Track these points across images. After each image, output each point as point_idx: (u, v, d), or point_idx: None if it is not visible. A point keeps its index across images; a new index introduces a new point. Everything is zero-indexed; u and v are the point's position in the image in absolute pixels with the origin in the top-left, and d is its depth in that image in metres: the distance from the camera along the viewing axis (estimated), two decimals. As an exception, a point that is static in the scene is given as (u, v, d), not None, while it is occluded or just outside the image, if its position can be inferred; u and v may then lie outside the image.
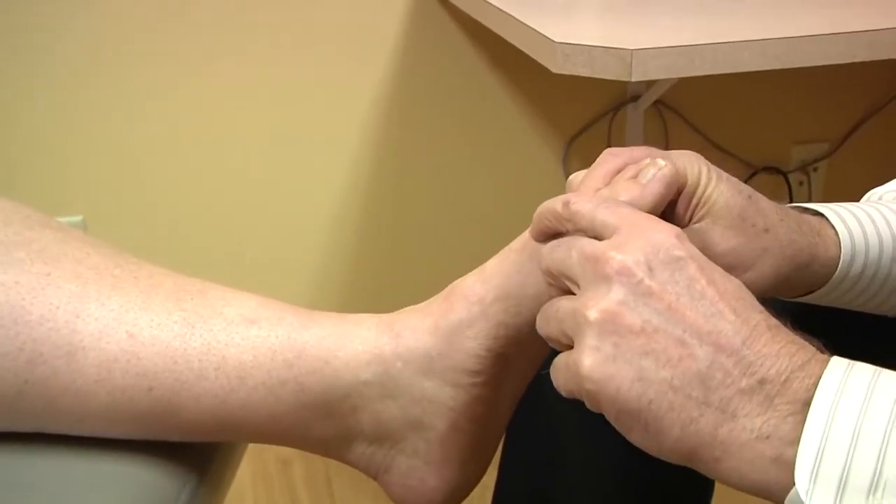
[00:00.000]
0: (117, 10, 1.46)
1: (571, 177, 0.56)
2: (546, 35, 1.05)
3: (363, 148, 1.65)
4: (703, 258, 0.44)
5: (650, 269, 0.43)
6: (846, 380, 0.40)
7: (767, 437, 0.40)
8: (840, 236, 0.57)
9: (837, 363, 0.41)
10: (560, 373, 0.45)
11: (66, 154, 1.53)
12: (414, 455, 0.57)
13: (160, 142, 1.56)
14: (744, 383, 0.41)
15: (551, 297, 0.49)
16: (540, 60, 1.08)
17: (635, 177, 0.52)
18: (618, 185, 0.51)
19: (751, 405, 0.40)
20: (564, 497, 0.72)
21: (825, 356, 0.42)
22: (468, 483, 0.59)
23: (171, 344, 0.53)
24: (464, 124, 1.68)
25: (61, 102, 1.50)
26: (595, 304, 0.43)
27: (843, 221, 0.58)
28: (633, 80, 0.99)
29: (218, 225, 1.64)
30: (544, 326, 0.47)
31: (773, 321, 0.43)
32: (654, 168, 0.51)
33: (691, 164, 0.55)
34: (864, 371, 0.41)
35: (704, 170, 0.55)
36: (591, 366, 0.42)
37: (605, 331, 0.42)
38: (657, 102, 1.66)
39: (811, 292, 0.59)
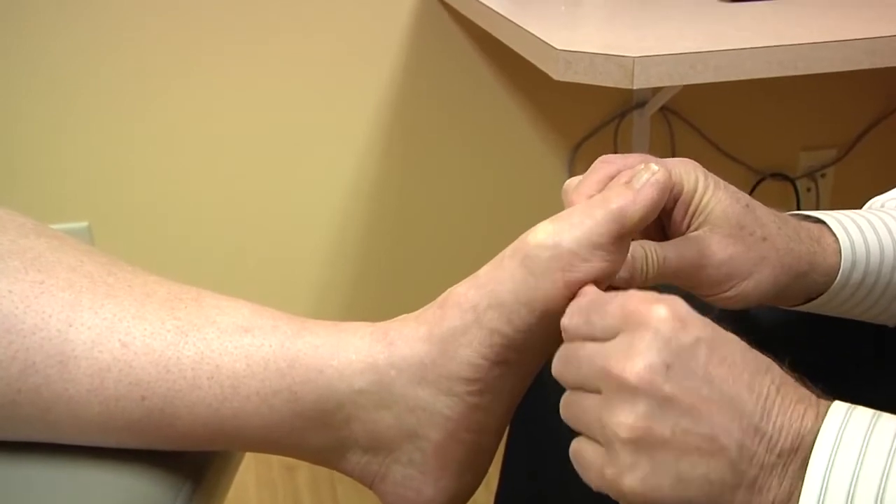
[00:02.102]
0: (120, 10, 1.46)
1: (566, 183, 0.56)
2: (548, 42, 1.05)
3: (367, 154, 1.65)
4: (708, 330, 0.44)
5: (667, 368, 0.42)
6: (842, 433, 0.41)
7: (784, 502, 0.42)
8: (840, 244, 0.57)
9: (834, 416, 0.42)
10: (592, 475, 0.45)
11: (70, 160, 1.53)
12: (409, 464, 0.56)
13: (163, 146, 1.56)
14: (766, 460, 0.42)
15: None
16: (542, 67, 1.08)
17: (629, 182, 0.51)
18: (610, 191, 0.51)
19: (772, 477, 0.42)
20: (565, 499, 0.72)
21: (826, 404, 0.43)
22: (465, 492, 0.59)
23: (165, 353, 0.53)
24: (468, 130, 1.67)
25: (63, 107, 1.50)
26: (623, 421, 0.43)
27: (844, 229, 0.57)
28: (634, 87, 0.98)
29: (222, 229, 1.64)
30: (570, 420, 0.47)
31: (777, 377, 0.44)
32: (648, 173, 0.50)
33: (688, 171, 0.55)
34: (860, 420, 0.42)
35: (702, 178, 0.55)
36: (633, 483, 0.43)
37: (639, 448, 0.43)
38: (663, 108, 1.65)
39: (810, 300, 0.58)
